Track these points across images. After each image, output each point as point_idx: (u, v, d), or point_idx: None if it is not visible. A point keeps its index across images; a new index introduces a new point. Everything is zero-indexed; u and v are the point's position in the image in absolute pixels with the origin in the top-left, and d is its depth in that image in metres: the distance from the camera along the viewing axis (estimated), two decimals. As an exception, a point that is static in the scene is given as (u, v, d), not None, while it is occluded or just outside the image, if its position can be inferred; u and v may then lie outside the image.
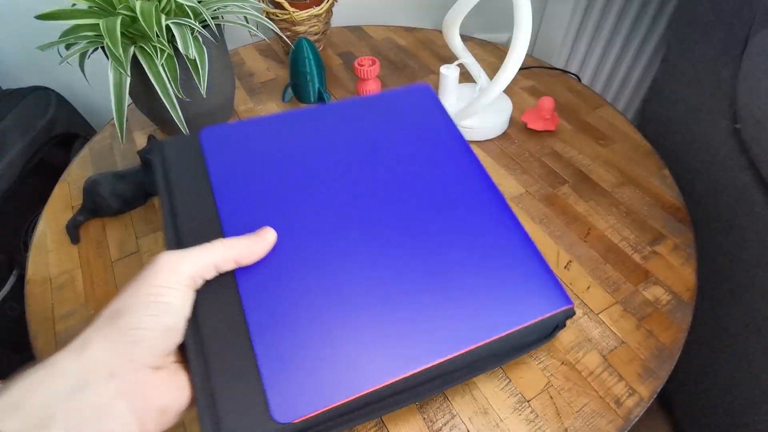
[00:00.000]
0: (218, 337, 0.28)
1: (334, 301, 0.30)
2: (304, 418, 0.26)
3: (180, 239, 0.33)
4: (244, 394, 0.26)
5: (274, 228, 0.33)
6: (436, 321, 0.30)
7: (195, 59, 0.48)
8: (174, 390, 0.26)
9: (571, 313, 0.33)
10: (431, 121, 0.41)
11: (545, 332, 0.33)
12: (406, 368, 0.28)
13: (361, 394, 0.27)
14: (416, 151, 0.39)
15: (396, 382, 0.28)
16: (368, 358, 0.28)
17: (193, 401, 0.26)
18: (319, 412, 0.26)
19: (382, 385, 0.28)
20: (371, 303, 0.31)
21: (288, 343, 0.28)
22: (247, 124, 0.40)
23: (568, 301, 0.32)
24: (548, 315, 0.31)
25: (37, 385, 0.22)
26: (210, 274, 0.29)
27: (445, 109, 0.43)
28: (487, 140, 0.60)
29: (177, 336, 0.27)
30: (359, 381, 0.28)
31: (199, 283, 0.29)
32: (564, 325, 0.34)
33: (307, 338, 0.29)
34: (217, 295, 0.30)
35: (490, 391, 0.38)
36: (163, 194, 0.36)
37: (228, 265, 0.30)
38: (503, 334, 0.30)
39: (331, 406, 0.27)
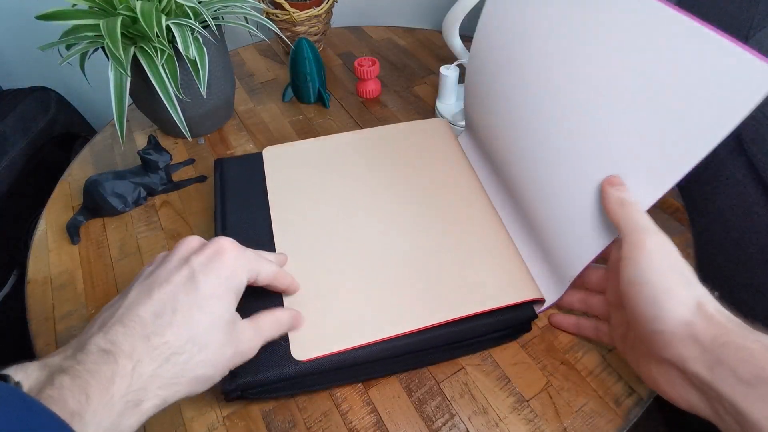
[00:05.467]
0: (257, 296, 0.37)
1: (341, 278, 0.40)
2: (313, 358, 0.35)
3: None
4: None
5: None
6: (418, 297, 0.39)
7: (195, 59, 0.48)
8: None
9: (539, 306, 0.40)
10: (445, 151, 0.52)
11: (517, 321, 0.39)
12: (391, 331, 0.37)
13: (355, 346, 0.36)
14: (430, 166, 0.50)
15: (383, 343, 0.36)
16: (363, 321, 0.37)
17: None
18: (324, 355, 0.35)
19: (372, 341, 0.36)
20: (370, 281, 0.40)
21: (306, 304, 0.38)
22: (305, 144, 0.53)
23: (537, 292, 0.39)
24: (517, 302, 0.38)
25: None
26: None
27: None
28: (486, 140, 0.60)
29: None
30: (355, 337, 0.36)
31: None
32: (535, 316, 0.39)
33: (321, 303, 0.38)
34: None
35: (490, 390, 0.38)
36: (219, 207, 0.47)
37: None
38: (474, 312, 0.37)
39: (331, 353, 0.36)
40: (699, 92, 0.29)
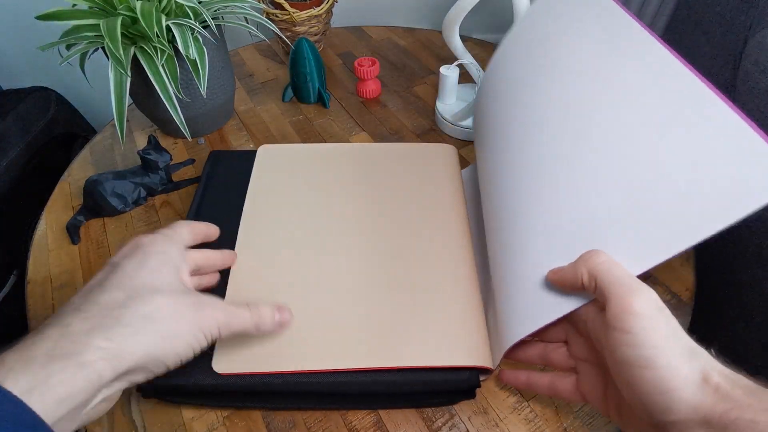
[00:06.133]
0: None
1: (290, 296, 0.39)
2: (232, 373, 0.35)
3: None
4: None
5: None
6: (361, 336, 0.36)
7: (195, 59, 0.48)
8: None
9: (487, 373, 0.36)
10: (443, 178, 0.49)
11: (456, 386, 0.36)
12: (322, 365, 0.35)
13: (280, 371, 0.35)
14: (420, 198, 0.47)
15: (312, 376, 0.35)
16: (298, 347, 0.36)
17: None
18: (244, 373, 0.34)
19: (298, 371, 0.35)
20: (319, 307, 0.38)
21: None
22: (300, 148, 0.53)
23: (487, 360, 0.36)
24: (461, 365, 0.35)
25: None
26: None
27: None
28: (486, 140, 0.60)
29: None
30: (283, 362, 0.35)
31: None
32: (478, 384, 0.36)
33: None
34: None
35: (490, 390, 0.38)
36: (198, 198, 0.47)
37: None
38: (411, 365, 0.35)
39: (253, 372, 0.35)
40: (713, 175, 0.27)
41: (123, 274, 0.29)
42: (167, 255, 0.32)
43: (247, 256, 0.42)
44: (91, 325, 0.26)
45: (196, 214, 0.46)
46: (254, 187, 0.48)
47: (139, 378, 0.28)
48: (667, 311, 0.26)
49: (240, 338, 0.35)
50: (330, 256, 0.42)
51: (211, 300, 0.31)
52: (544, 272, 0.31)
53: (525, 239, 0.34)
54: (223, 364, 0.35)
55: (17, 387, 0.22)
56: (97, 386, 0.25)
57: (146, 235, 0.33)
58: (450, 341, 0.36)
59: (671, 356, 0.24)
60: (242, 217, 0.45)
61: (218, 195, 0.48)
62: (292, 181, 0.48)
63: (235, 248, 0.42)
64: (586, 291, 0.28)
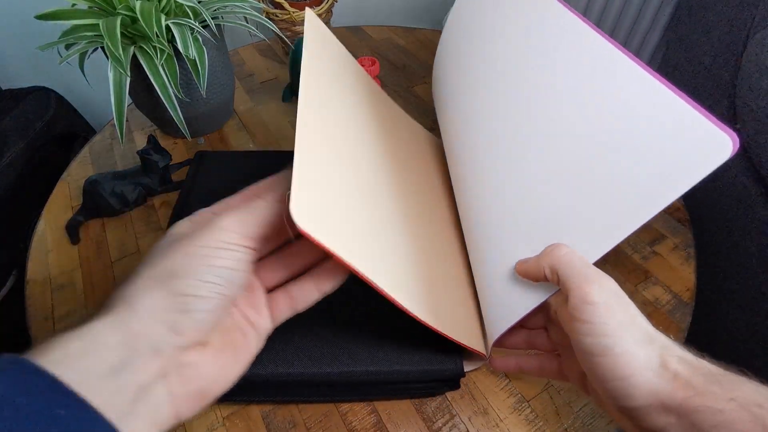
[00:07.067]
0: None
1: (364, 198, 0.34)
2: (308, 234, 0.25)
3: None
4: None
5: None
6: (406, 272, 0.33)
7: (195, 59, 0.48)
8: (217, 370, 0.24)
9: (458, 376, 0.36)
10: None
11: (442, 375, 0.36)
12: (371, 275, 0.29)
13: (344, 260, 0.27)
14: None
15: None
16: (363, 249, 0.30)
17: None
18: (318, 242, 0.25)
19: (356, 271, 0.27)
20: (383, 225, 0.34)
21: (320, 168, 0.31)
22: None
23: (481, 346, 0.35)
24: (460, 342, 0.34)
25: (74, 360, 0.20)
26: (266, 234, 0.25)
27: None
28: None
29: (228, 309, 0.24)
30: (351, 253, 0.27)
31: (256, 251, 0.25)
32: (463, 374, 0.36)
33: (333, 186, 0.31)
34: None
35: (490, 390, 0.38)
36: (182, 198, 0.46)
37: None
38: (430, 324, 0.32)
39: (322, 245, 0.25)
40: (651, 152, 0.27)
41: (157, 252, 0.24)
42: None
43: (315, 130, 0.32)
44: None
45: (179, 218, 0.44)
46: (310, 58, 0.36)
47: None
48: (625, 299, 0.26)
49: (323, 196, 0.27)
50: (380, 181, 0.36)
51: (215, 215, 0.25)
52: (512, 265, 0.32)
53: (492, 233, 0.35)
54: (304, 216, 0.24)
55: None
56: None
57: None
58: (459, 317, 0.36)
59: (627, 343, 0.24)
60: (301, 86, 0.31)
61: (204, 198, 0.45)
62: (339, 78, 0.40)
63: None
64: (551, 283, 0.29)
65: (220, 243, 0.23)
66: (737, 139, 0.23)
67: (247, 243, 0.24)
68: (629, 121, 0.28)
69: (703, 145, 0.24)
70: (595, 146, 0.29)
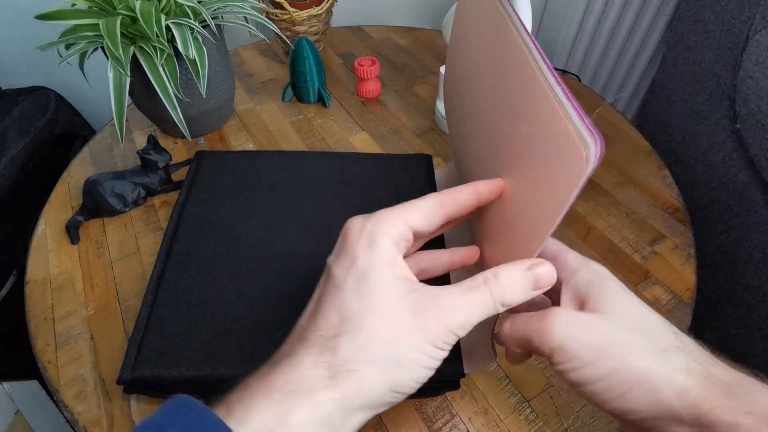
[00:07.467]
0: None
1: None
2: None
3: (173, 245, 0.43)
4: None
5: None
6: None
7: (195, 59, 0.48)
8: None
9: (457, 376, 0.35)
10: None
11: (446, 376, 0.34)
12: None
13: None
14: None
15: None
16: None
17: None
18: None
19: None
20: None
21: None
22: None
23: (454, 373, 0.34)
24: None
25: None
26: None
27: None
28: (486, 140, 0.60)
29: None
30: None
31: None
32: (463, 374, 0.35)
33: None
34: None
35: (490, 390, 0.38)
36: (182, 198, 0.46)
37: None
38: None
39: None
40: (539, 160, 0.23)
41: (334, 287, 0.25)
42: (376, 250, 0.25)
43: None
44: (314, 359, 0.23)
45: (178, 219, 0.45)
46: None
47: (381, 409, 0.25)
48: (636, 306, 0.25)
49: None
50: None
51: (436, 296, 0.24)
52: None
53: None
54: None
55: (262, 421, 0.21)
56: (332, 425, 0.23)
57: (354, 222, 0.27)
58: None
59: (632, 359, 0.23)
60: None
61: (205, 199, 0.46)
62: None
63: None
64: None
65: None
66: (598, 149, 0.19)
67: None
68: (525, 119, 0.25)
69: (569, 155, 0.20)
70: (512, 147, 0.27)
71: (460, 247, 0.32)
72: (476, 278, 0.25)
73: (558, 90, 0.21)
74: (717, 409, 0.22)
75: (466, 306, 0.24)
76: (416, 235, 0.27)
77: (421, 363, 0.23)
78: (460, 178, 0.42)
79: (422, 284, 0.25)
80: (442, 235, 0.42)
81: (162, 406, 0.21)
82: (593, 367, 0.23)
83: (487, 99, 0.31)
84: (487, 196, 0.28)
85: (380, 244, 0.25)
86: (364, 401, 0.23)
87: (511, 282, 0.24)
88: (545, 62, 0.23)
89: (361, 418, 0.24)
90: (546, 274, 0.25)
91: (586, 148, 0.19)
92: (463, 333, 0.24)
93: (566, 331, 0.24)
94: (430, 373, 0.24)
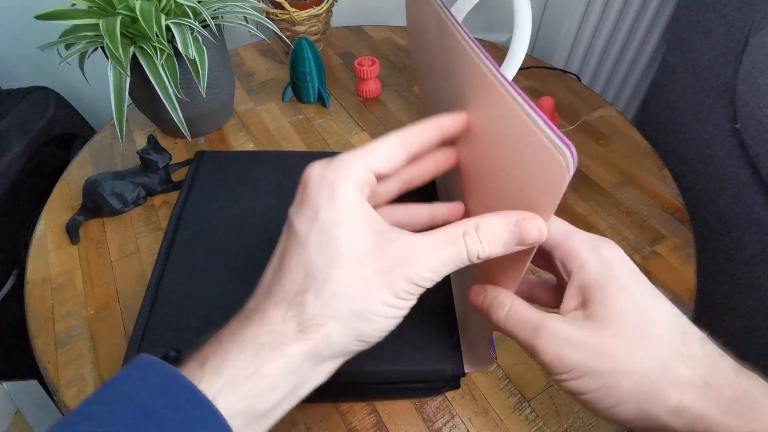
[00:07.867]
0: None
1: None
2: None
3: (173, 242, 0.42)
4: None
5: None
6: None
7: (195, 59, 0.48)
8: None
9: (458, 376, 0.35)
10: None
11: (439, 376, 0.35)
12: None
13: None
14: None
15: None
16: None
17: None
18: None
19: None
20: None
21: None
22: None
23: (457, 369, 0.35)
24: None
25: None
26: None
27: None
28: (486, 140, 0.60)
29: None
30: None
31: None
32: (463, 374, 0.35)
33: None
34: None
35: (490, 390, 0.38)
36: (182, 197, 0.46)
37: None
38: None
39: None
40: (519, 175, 0.23)
41: (297, 242, 0.24)
42: (338, 202, 0.24)
43: None
44: (283, 313, 0.23)
45: (178, 219, 0.44)
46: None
47: (350, 355, 0.25)
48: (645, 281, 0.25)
49: None
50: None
51: (404, 248, 0.23)
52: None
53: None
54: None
55: (235, 370, 0.22)
56: (303, 374, 0.24)
57: (313, 170, 0.26)
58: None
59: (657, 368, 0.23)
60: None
61: (205, 199, 0.46)
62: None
63: None
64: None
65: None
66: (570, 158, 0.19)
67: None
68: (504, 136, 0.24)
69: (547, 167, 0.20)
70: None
71: (444, 203, 0.30)
72: (457, 229, 0.24)
73: (520, 101, 0.21)
74: (714, 427, 0.21)
75: (436, 260, 0.23)
76: (379, 177, 0.26)
77: (386, 314, 0.23)
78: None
79: (392, 231, 0.24)
80: (434, 188, 0.43)
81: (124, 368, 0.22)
82: (585, 381, 0.23)
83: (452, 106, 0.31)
84: (451, 130, 0.28)
85: (343, 193, 0.24)
86: (333, 351, 0.24)
87: (493, 234, 0.23)
88: (494, 67, 0.23)
89: (331, 366, 0.25)
90: (534, 229, 0.23)
91: (565, 157, 0.19)
92: (430, 284, 0.23)
93: (560, 349, 0.24)
94: (397, 321, 0.24)
